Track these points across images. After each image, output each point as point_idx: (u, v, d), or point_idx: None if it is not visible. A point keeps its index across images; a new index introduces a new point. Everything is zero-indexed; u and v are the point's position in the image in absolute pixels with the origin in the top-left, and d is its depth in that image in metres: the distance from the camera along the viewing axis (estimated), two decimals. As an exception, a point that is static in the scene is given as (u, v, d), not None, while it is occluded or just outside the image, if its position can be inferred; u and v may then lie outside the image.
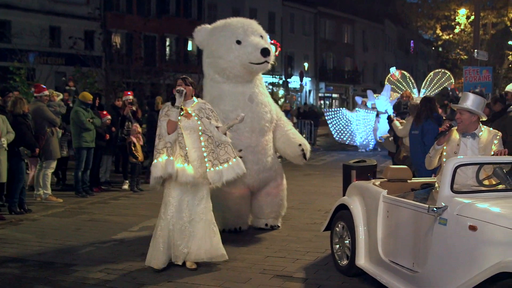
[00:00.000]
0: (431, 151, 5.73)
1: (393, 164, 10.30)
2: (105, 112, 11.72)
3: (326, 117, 22.44)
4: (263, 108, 7.86)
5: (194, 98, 6.45)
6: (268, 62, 7.72)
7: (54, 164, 10.67)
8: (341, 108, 23.68)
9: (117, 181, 12.50)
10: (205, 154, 6.16)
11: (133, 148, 11.49)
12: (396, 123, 10.54)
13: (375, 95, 21.87)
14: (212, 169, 6.15)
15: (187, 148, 6.14)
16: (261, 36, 7.85)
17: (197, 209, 6.21)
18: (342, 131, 21.95)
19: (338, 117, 22.03)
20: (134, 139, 11.54)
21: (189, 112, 6.25)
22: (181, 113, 6.18)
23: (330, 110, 23.23)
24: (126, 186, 11.92)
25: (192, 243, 6.15)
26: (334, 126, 22.05)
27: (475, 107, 5.51)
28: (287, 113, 20.52)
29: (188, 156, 6.12)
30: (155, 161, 6.11)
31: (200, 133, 6.21)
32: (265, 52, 7.58)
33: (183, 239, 6.12)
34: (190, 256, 6.16)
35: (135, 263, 6.46)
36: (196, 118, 6.23)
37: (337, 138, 22.31)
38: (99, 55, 22.89)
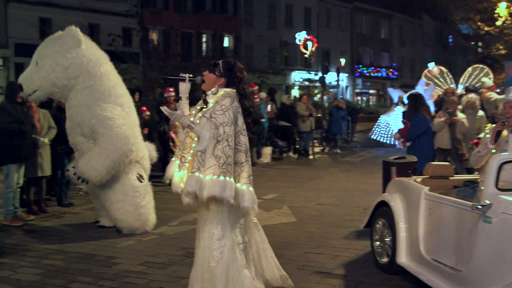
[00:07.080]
0: (483, 149, 5.47)
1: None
2: (144, 108, 11.82)
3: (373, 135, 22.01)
4: None
5: (219, 89, 4.82)
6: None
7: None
8: (380, 119, 22.80)
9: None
10: (189, 158, 4.75)
11: (171, 144, 11.54)
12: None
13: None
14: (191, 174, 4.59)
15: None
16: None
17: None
18: (383, 135, 21.64)
19: (381, 128, 21.75)
20: (173, 135, 11.56)
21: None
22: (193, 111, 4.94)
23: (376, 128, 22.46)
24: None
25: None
26: (377, 134, 21.68)
27: None
28: (341, 110, 20.33)
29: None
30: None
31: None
32: None
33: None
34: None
35: (175, 257, 6.51)
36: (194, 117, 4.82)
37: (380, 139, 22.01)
38: (137, 51, 23.07)
